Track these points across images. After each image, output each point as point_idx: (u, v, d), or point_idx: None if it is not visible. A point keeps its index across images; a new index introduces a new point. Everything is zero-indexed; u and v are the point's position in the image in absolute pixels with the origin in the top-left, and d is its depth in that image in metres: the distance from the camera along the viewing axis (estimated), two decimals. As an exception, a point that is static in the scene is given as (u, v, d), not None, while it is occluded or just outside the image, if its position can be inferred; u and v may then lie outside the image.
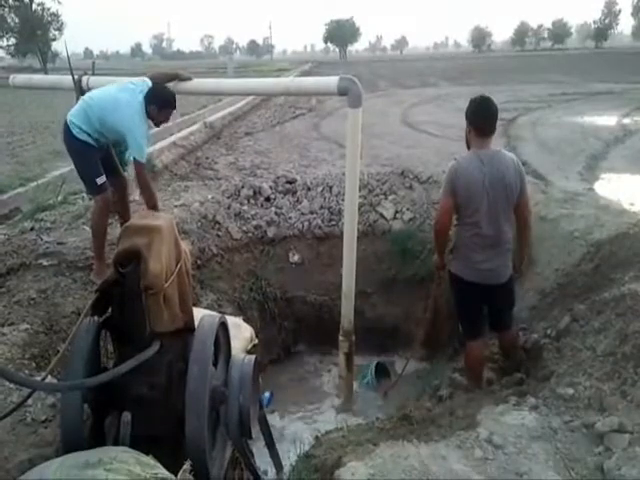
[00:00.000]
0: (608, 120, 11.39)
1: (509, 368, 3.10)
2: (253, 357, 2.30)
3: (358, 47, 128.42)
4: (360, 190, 5.46)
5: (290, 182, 5.50)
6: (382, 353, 4.41)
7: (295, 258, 4.66)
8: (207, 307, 3.52)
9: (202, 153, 9.05)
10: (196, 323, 2.18)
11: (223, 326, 2.30)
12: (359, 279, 3.79)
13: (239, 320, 2.94)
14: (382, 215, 5.15)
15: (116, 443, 1.91)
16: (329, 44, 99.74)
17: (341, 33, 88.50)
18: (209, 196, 5.03)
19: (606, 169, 7.26)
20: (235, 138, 10.70)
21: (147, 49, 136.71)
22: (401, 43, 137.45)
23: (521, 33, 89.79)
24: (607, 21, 76.29)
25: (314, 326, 4.45)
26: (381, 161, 7.92)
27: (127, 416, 1.93)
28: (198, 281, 3.88)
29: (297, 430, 3.48)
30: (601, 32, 76.76)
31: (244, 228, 4.68)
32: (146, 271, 1.99)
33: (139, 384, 2.07)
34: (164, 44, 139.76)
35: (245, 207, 4.93)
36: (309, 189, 5.39)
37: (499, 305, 3.05)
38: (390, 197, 5.43)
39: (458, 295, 3.04)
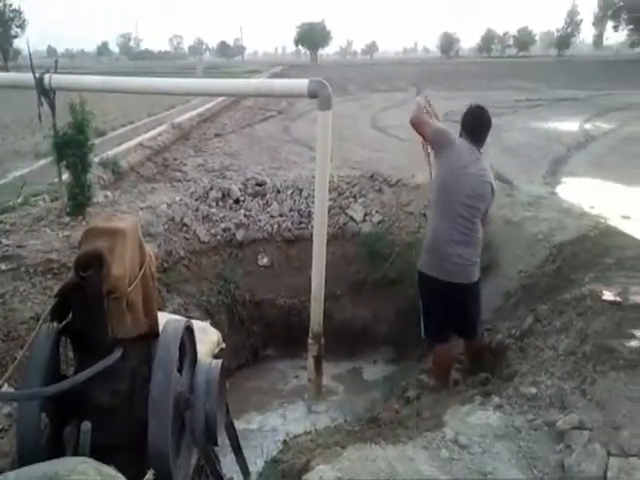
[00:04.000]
0: (571, 126, 11.76)
1: (475, 369, 3.15)
2: (220, 362, 2.26)
3: (329, 51, 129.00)
4: (330, 193, 5.48)
5: (260, 184, 5.48)
6: (352, 355, 4.43)
7: (264, 261, 4.64)
8: (174, 311, 3.46)
9: (170, 154, 8.90)
10: (161, 328, 2.13)
11: (189, 330, 2.25)
12: (328, 282, 3.80)
13: (206, 324, 2.89)
14: (352, 218, 5.18)
15: (76, 453, 1.85)
16: (300, 47, 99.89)
17: (312, 36, 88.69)
18: (177, 198, 4.96)
19: (568, 173, 7.49)
20: (204, 139, 10.57)
21: (114, 48, 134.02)
22: (371, 48, 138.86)
23: (487, 40, 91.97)
24: (569, 30, 78.92)
25: (283, 329, 4.43)
26: (351, 164, 7.94)
27: (87, 425, 1.86)
28: (164, 285, 3.81)
29: (265, 435, 3.45)
30: (564, 40, 79.36)
31: (212, 231, 4.62)
32: (108, 275, 1.93)
33: (100, 392, 2.00)
34: (131, 43, 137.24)
35: (214, 209, 4.88)
36: (279, 192, 5.37)
37: (467, 308, 3.06)
38: (360, 200, 5.47)
39: (427, 296, 3.05)
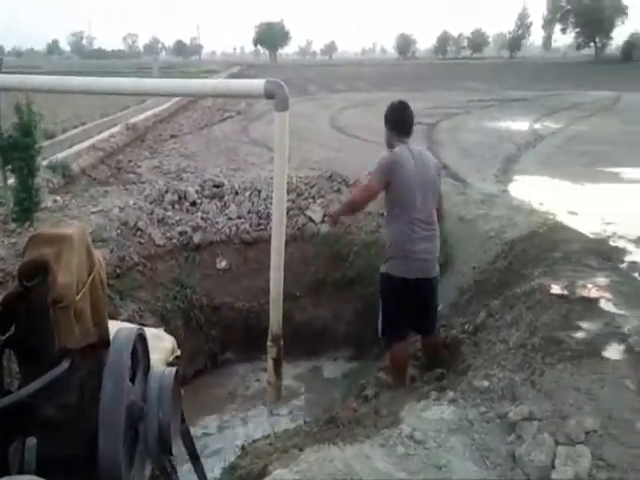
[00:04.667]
0: (521, 125, 12.17)
1: (431, 364, 3.21)
2: (174, 369, 2.22)
3: (288, 51, 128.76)
4: (289, 194, 5.47)
5: (217, 186, 5.41)
6: (312, 355, 4.44)
7: (222, 264, 4.59)
8: (127, 319, 3.37)
9: (124, 156, 8.66)
10: (112, 337, 2.07)
11: (141, 338, 2.19)
12: (288, 283, 3.79)
13: (159, 331, 2.82)
14: (311, 219, 5.19)
15: (21, 471, 1.77)
16: (259, 47, 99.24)
17: (271, 36, 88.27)
18: (130, 201, 4.83)
19: (519, 171, 7.75)
20: (160, 141, 10.35)
21: (65, 46, 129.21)
22: (330, 48, 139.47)
23: (443, 41, 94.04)
24: (520, 32, 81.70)
25: (242, 333, 4.39)
26: (310, 164, 7.95)
27: (32, 441, 1.78)
28: (117, 292, 3.70)
29: (224, 441, 3.41)
30: (515, 42, 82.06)
31: (168, 234, 4.53)
32: (54, 283, 1.85)
33: (48, 405, 1.93)
34: (84, 42, 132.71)
35: (169, 212, 4.78)
36: (237, 193, 5.32)
37: (429, 303, 3.11)
38: (319, 200, 5.49)
39: (388, 296, 3.07)
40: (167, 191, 5.09)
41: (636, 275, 4.00)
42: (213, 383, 4.21)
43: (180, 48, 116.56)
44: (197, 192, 5.17)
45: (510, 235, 4.41)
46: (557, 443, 2.11)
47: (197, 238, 4.63)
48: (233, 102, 15.73)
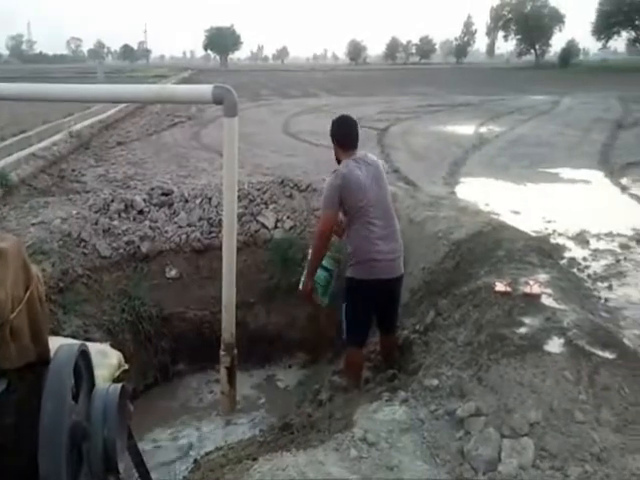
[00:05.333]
0: (467, 129, 12.61)
1: (385, 365, 3.26)
2: (119, 385, 2.14)
3: (240, 55, 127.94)
4: (241, 200, 5.43)
5: (166, 194, 5.28)
6: (266, 362, 4.40)
7: (172, 273, 4.47)
8: (71, 334, 3.23)
9: (67, 165, 8.32)
10: (53, 354, 1.98)
11: (84, 355, 2.11)
12: (241, 290, 3.75)
13: (105, 346, 2.72)
14: (263, 225, 5.16)
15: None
16: (210, 51, 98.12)
17: (222, 40, 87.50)
18: (74, 212, 4.64)
19: (465, 174, 8.02)
20: (106, 148, 10.02)
21: (3, 50, 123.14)
22: (282, 53, 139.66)
23: (392, 48, 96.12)
24: (466, 39, 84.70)
25: (195, 343, 4.29)
26: (263, 170, 7.94)
27: (-34, 467, 1.68)
28: (60, 306, 3.54)
29: (177, 454, 3.32)
30: (461, 49, 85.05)
31: (114, 245, 4.37)
32: (-14, 301, 1.76)
33: (-17, 429, 1.82)
34: (24, 46, 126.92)
35: (115, 222, 4.62)
36: (187, 201, 5.21)
37: (395, 302, 3.20)
38: (271, 206, 5.46)
39: (355, 300, 3.08)
40: (113, 200, 4.92)
41: (575, 270, 4.23)
42: (165, 396, 4.10)
43: (127, 52, 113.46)
44: (145, 200, 5.02)
45: (457, 236, 4.53)
46: (503, 436, 2.18)
47: (145, 248, 4.50)
48: (183, 107, 15.45)
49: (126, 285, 4.23)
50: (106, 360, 2.57)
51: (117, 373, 2.59)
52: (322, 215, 3.10)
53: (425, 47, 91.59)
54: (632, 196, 6.63)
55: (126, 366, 2.70)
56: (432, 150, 10.02)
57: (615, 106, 16.97)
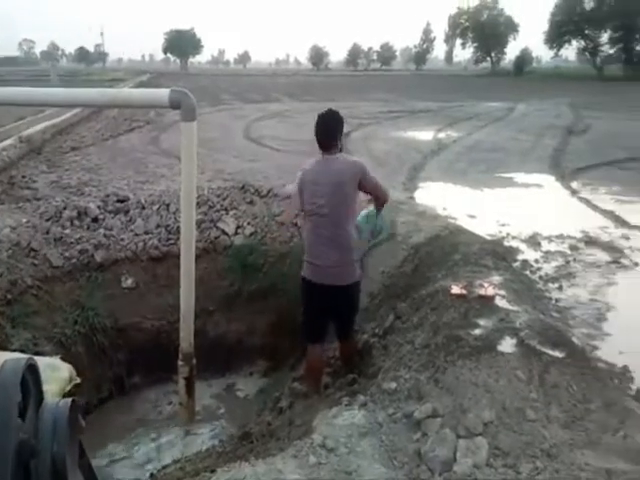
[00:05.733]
0: (426, 135, 12.86)
1: (345, 370, 3.27)
2: (69, 400, 2.07)
3: (200, 59, 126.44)
4: (200, 206, 5.36)
5: (122, 200, 5.15)
6: (226, 371, 4.34)
7: (128, 282, 4.35)
8: (19, 348, 3.09)
9: (17, 171, 7.96)
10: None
11: (31, 369, 2.02)
12: (200, 298, 3.69)
13: (55, 360, 2.62)
14: (223, 231, 5.10)
15: None
16: (169, 55, 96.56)
17: (182, 44, 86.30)
18: (24, 220, 4.46)
19: (424, 179, 8.16)
20: (59, 153, 9.66)
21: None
22: (244, 57, 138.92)
23: (354, 54, 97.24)
24: (425, 46, 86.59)
25: (152, 354, 4.18)
26: (224, 176, 7.84)
27: None
28: (9, 319, 3.39)
29: (133, 470, 3.23)
30: (420, 56, 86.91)
31: (67, 254, 4.22)
32: None
33: None
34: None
35: (68, 230, 4.46)
36: (144, 207, 5.10)
37: (340, 310, 3.16)
38: (231, 212, 5.41)
39: (303, 297, 3.16)
40: (65, 207, 4.75)
41: (527, 272, 4.37)
42: (121, 410, 3.97)
43: (82, 55, 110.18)
44: (99, 207, 4.88)
45: (415, 240, 4.62)
46: (458, 436, 2.22)
47: (99, 256, 4.36)
48: (142, 111, 15.11)
49: (79, 296, 4.08)
50: (56, 374, 2.47)
51: (68, 387, 2.50)
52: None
53: (386, 54, 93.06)
54: (581, 199, 6.91)
55: (78, 380, 2.61)
56: (392, 155, 10.16)
57: (566, 112, 17.71)
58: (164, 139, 11.52)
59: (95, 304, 4.10)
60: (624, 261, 4.65)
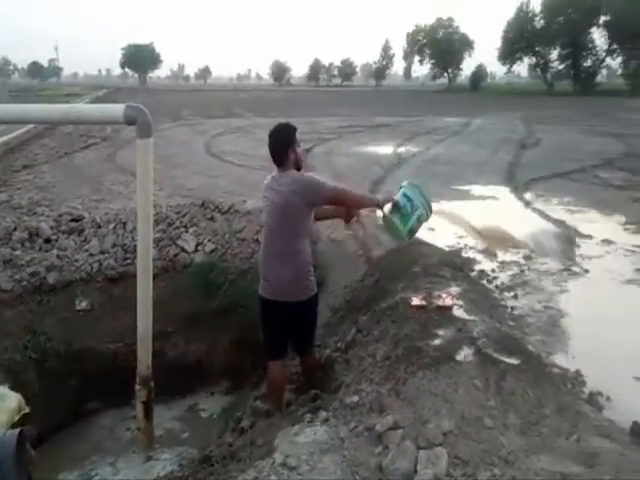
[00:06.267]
0: (387, 149, 13.09)
1: (306, 386, 3.24)
2: (16, 431, 1.98)
3: (160, 74, 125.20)
4: (158, 224, 5.27)
5: (76, 220, 5.00)
6: (187, 392, 4.23)
7: (83, 305, 4.21)
8: (-37, 378, 2.93)
9: (-36, 191, 7.64)
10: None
11: (-26, 401, 1.93)
12: (159, 318, 3.60)
13: (2, 389, 2.50)
14: (183, 248, 5.03)
15: None
16: (127, 69, 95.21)
17: (140, 58, 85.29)
18: (-30, 242, 4.27)
19: (385, 192, 8.27)
20: (10, 172, 9.30)
21: None
22: (205, 72, 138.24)
23: (315, 69, 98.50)
24: (384, 62, 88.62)
25: (109, 379, 4.02)
26: (184, 192, 7.74)
27: None
28: (-48, 347, 3.22)
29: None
30: (380, 72, 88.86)
31: (17, 277, 4.06)
32: None
33: None
34: None
35: (18, 252, 4.30)
36: (99, 226, 4.97)
37: (297, 327, 3.12)
38: (191, 229, 5.34)
39: (261, 314, 3.13)
40: (15, 228, 4.58)
41: (484, 282, 4.48)
42: (76, 437, 3.79)
43: (36, 70, 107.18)
44: (52, 227, 4.72)
45: (376, 253, 4.68)
46: (419, 448, 2.23)
47: (52, 278, 4.21)
48: (98, 128, 14.78)
49: (30, 320, 3.91)
50: (4, 404, 2.36)
51: (17, 417, 2.38)
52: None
53: (346, 69, 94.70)
54: (534, 210, 7.17)
55: (27, 409, 2.50)
56: (354, 170, 10.28)
57: (519, 127, 18.42)
58: (121, 156, 11.29)
59: (47, 328, 3.94)
60: (575, 269, 4.84)
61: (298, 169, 3.04)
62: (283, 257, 2.96)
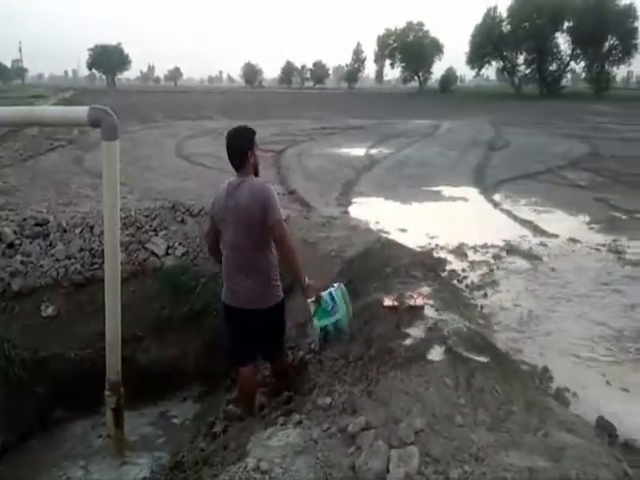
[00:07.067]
0: (359, 151, 13.20)
1: (279, 389, 3.23)
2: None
3: (129, 75, 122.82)
4: (128, 228, 5.16)
5: (41, 224, 4.86)
6: (159, 398, 4.15)
7: (49, 311, 4.09)
8: None
9: None
10: None
11: None
12: (129, 323, 3.54)
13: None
14: (153, 252, 4.94)
15: None
16: (95, 71, 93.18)
17: (108, 59, 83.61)
18: None
19: (357, 194, 8.35)
20: (-28, 176, 9.00)
21: None
22: (175, 74, 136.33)
23: (287, 72, 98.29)
24: (356, 66, 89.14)
25: (77, 386, 3.92)
26: (154, 195, 7.61)
27: None
28: None
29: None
30: (352, 75, 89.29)
31: (-22, 283, 3.92)
32: None
33: None
34: None
35: (-21, 258, 4.15)
36: (65, 231, 4.84)
37: (264, 334, 3.04)
38: (161, 233, 5.26)
39: (224, 320, 3.07)
40: (-23, 233, 4.43)
41: (454, 282, 4.56)
42: (44, 446, 3.67)
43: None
44: (15, 232, 4.57)
45: (349, 254, 4.70)
46: (391, 447, 2.24)
47: (16, 285, 4.07)
48: (64, 130, 14.41)
49: (-6, 327, 3.79)
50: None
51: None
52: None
53: (319, 72, 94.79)
54: (503, 210, 7.34)
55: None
56: (326, 171, 10.33)
57: (488, 129, 18.82)
58: (89, 158, 11.04)
59: (12, 335, 3.81)
60: (542, 267, 4.97)
61: (256, 173, 2.95)
62: (249, 268, 2.88)
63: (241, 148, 2.88)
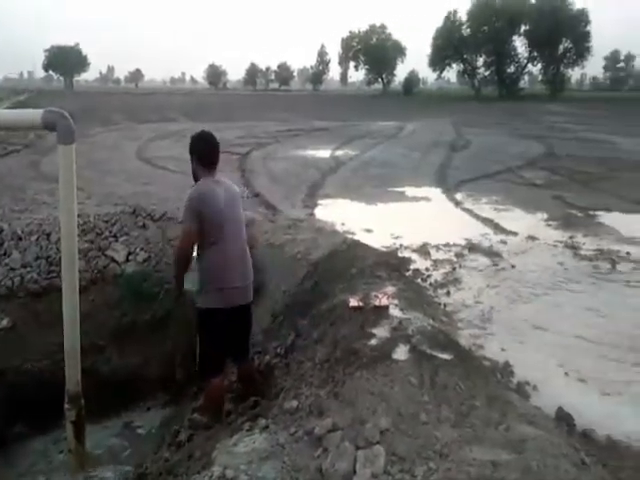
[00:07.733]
0: (324, 153, 13.23)
1: (246, 394, 3.20)
2: None
3: (87, 77, 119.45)
4: (86, 234, 5.02)
5: (-6, 232, 4.67)
6: (122, 409, 4.04)
7: (3, 323, 3.93)
8: None
9: None
10: None
11: None
12: (89, 332, 3.44)
13: None
14: (113, 259, 4.82)
15: None
16: (51, 72, 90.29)
17: (65, 61, 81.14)
18: None
19: (323, 195, 8.37)
20: None
21: None
22: (136, 75, 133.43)
23: (252, 73, 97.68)
24: (321, 68, 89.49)
25: (35, 399, 3.77)
26: (114, 200, 7.42)
27: None
28: None
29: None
30: (317, 77, 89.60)
31: None
32: None
33: None
34: None
35: None
36: (20, 238, 4.66)
37: (246, 329, 3.13)
38: (122, 239, 5.14)
39: (210, 330, 2.97)
40: None
41: (418, 281, 4.62)
42: (2, 464, 3.50)
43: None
44: (-34, 241, 4.38)
45: (315, 256, 4.70)
46: (357, 448, 2.25)
47: (-33, 296, 3.91)
48: (20, 134, 13.89)
49: (-58, 342, 3.61)
50: None
51: None
52: (183, 231, 2.97)
53: (284, 74, 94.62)
54: (464, 210, 7.50)
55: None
56: (292, 173, 10.31)
57: (449, 130, 19.21)
58: (46, 163, 10.66)
59: (-36, 349, 3.65)
60: (502, 264, 5.10)
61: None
62: (246, 258, 3.03)
63: (218, 148, 3.04)
